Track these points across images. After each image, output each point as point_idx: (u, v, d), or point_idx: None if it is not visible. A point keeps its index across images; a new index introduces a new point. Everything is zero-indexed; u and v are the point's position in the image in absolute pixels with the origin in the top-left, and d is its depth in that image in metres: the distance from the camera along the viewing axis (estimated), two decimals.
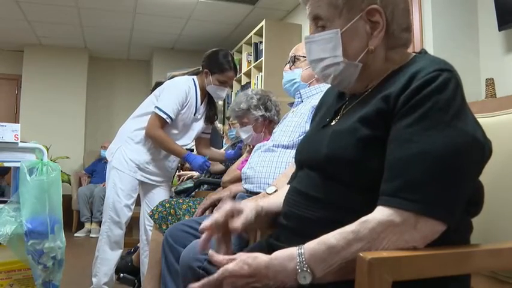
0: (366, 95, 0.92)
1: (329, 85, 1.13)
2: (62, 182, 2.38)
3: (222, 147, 3.33)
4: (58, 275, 1.83)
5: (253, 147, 1.98)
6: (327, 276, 0.75)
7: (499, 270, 1.00)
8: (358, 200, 0.82)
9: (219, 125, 4.21)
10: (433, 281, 0.75)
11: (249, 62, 4.91)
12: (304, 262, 0.75)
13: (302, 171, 0.98)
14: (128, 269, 2.63)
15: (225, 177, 2.14)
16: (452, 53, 2.78)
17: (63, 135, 5.90)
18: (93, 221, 5.08)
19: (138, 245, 2.69)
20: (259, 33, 4.56)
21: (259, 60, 4.51)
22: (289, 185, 1.06)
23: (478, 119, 0.83)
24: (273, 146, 1.75)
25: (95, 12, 4.79)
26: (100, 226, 2.61)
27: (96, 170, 5.58)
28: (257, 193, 1.56)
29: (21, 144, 1.93)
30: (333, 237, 0.76)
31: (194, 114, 2.53)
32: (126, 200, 2.44)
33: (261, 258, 0.79)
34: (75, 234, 5.02)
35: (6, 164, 1.97)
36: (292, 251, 0.78)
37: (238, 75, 5.15)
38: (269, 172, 1.69)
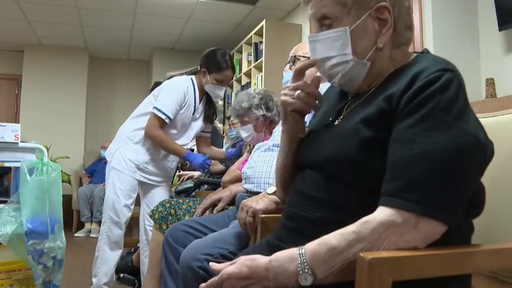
0: (369, 94, 0.91)
1: (329, 85, 1.13)
2: (62, 182, 2.37)
3: (223, 147, 3.33)
4: (58, 275, 1.82)
5: (253, 147, 1.98)
6: (329, 278, 0.75)
7: (500, 271, 1.00)
8: (360, 200, 0.82)
9: (219, 125, 4.21)
10: (433, 281, 0.75)
11: (249, 62, 4.91)
12: (305, 263, 0.75)
13: (303, 172, 0.98)
14: (127, 269, 2.63)
15: (225, 177, 2.14)
16: (452, 53, 2.77)
17: (63, 135, 5.90)
18: (93, 221, 5.08)
19: (138, 245, 2.69)
20: (259, 33, 4.56)
21: (259, 60, 4.51)
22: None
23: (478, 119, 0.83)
24: (273, 146, 1.75)
25: (95, 12, 4.78)
26: (100, 226, 2.61)
27: (96, 170, 5.57)
28: (257, 193, 1.56)
29: (21, 144, 1.93)
30: (334, 238, 0.75)
31: (193, 114, 2.52)
32: (126, 200, 2.44)
33: (260, 260, 0.79)
34: (75, 234, 5.02)
35: (6, 164, 1.96)
36: (292, 252, 0.77)
37: (238, 75, 5.16)
38: (269, 172, 1.69)
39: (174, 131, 2.49)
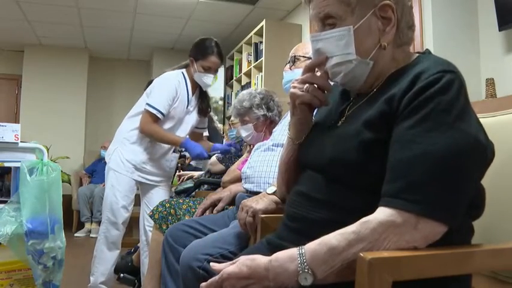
0: (371, 95, 0.91)
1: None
2: (62, 182, 2.37)
3: None
4: (58, 275, 1.82)
5: (253, 146, 1.99)
6: (329, 278, 0.75)
7: (500, 271, 1.00)
8: (361, 201, 0.82)
9: (219, 125, 4.21)
10: (433, 281, 0.75)
11: (249, 62, 4.91)
12: (305, 263, 0.75)
13: (305, 173, 0.98)
14: (128, 269, 2.64)
15: (225, 177, 2.15)
16: (452, 53, 2.76)
17: (63, 135, 5.90)
18: (93, 221, 5.08)
19: (138, 245, 2.69)
20: (259, 33, 4.56)
21: (259, 60, 4.51)
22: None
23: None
24: (272, 145, 1.75)
25: (95, 12, 4.78)
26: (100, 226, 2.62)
27: (96, 170, 5.57)
28: (257, 193, 1.56)
29: (21, 144, 1.93)
30: (334, 238, 0.75)
31: (186, 107, 2.52)
32: (123, 201, 2.44)
33: (260, 259, 0.79)
34: (75, 234, 5.02)
35: (6, 164, 1.96)
36: (292, 251, 0.78)
37: (238, 75, 5.16)
38: (269, 171, 1.69)
39: (168, 126, 2.49)
